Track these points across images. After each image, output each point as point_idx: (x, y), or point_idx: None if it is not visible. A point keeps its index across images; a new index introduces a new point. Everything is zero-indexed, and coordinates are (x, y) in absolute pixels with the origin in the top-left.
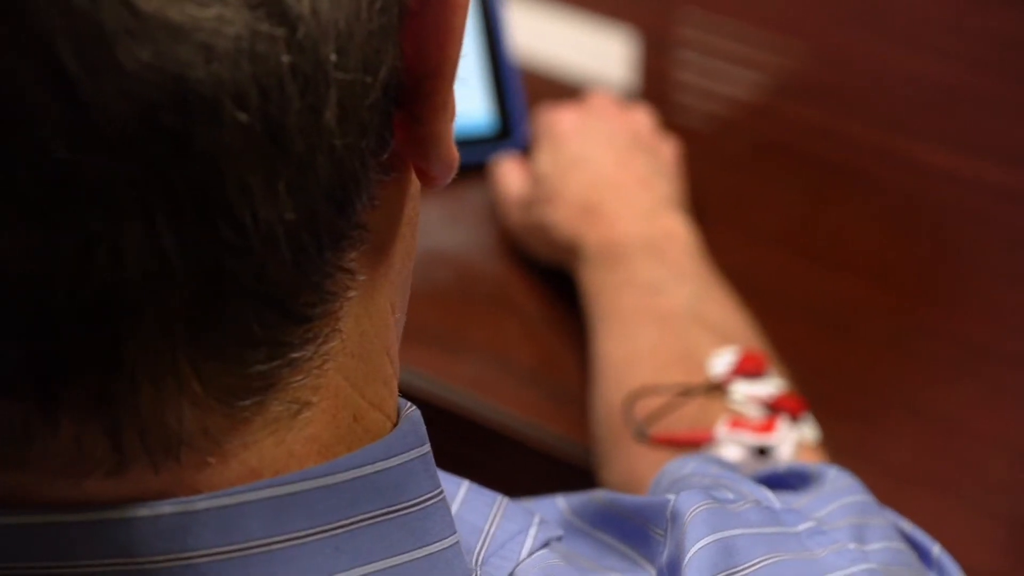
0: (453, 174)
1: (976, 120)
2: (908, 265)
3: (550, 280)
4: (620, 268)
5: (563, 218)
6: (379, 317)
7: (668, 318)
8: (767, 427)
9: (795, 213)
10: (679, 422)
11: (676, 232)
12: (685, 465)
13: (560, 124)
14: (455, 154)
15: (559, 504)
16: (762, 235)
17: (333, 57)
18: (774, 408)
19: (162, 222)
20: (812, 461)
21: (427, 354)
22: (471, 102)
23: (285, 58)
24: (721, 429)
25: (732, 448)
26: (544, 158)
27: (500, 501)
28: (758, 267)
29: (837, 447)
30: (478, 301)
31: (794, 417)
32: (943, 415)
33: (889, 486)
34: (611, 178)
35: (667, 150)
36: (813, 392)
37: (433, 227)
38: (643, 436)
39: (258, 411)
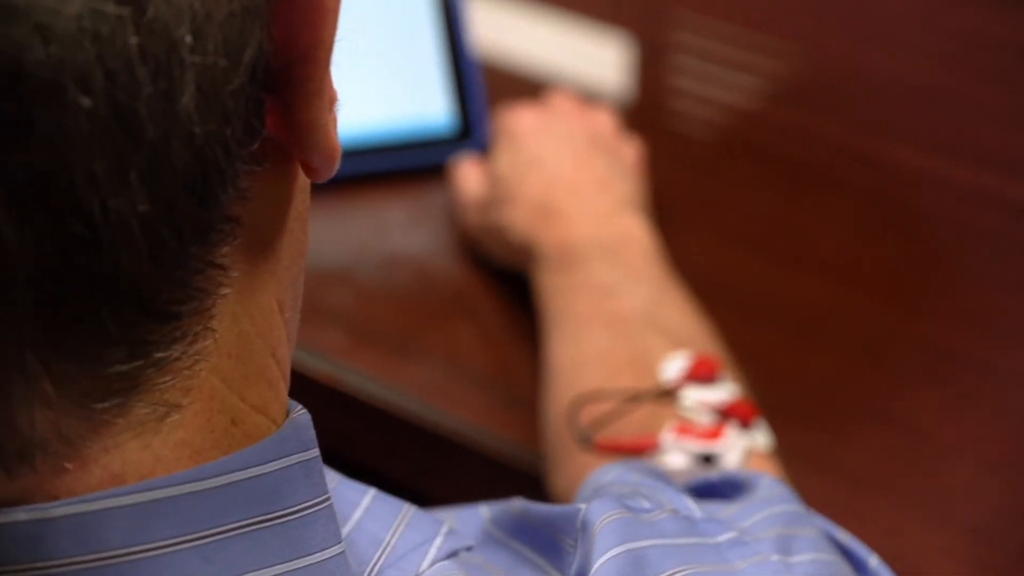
0: (336, 166)
1: (948, 121)
2: (877, 269)
3: (508, 283)
4: (575, 270)
5: (519, 219)
6: (262, 316)
7: (621, 322)
8: (713, 434)
9: (764, 215)
10: (628, 428)
11: (634, 234)
12: (607, 473)
13: (518, 124)
14: (336, 144)
15: (482, 513)
16: (729, 237)
17: (188, 39)
18: (725, 414)
19: (1, 214)
20: (763, 469)
21: (380, 358)
22: (431, 102)
23: (133, 39)
24: (667, 436)
25: (677, 455)
26: (502, 158)
27: (406, 511)
28: (725, 270)
29: (799, 454)
30: (434, 304)
31: (744, 424)
32: (908, 423)
33: (851, 494)
34: (569, 179)
35: (629, 151)
36: (777, 398)
37: (391, 229)
38: (587, 443)
39: (120, 414)
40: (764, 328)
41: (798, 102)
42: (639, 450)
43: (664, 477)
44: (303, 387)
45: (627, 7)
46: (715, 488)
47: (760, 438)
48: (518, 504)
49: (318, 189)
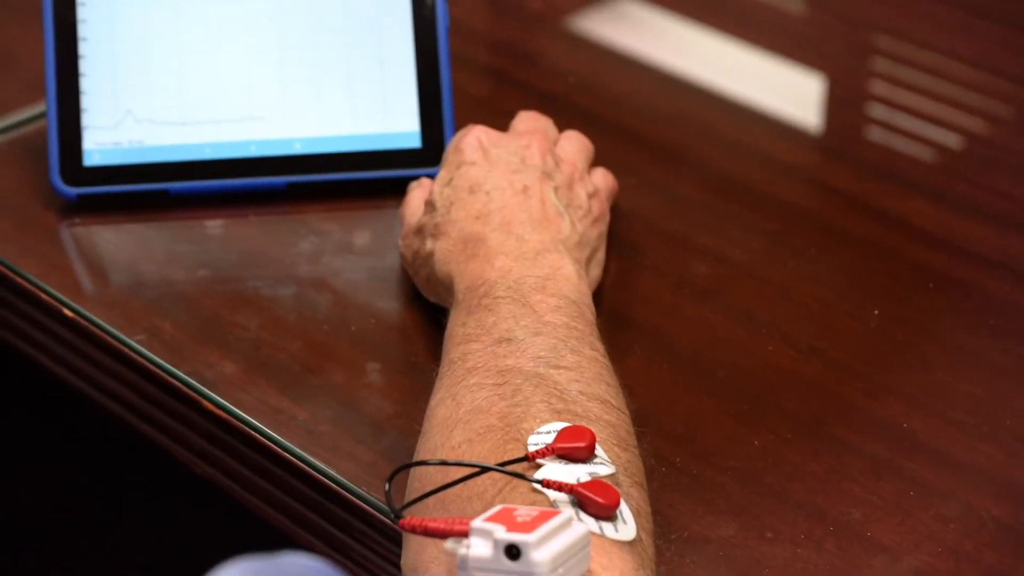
0: None
1: None
2: (847, 333)
3: (434, 322)
4: (481, 314)
5: (443, 250)
6: None
7: (507, 377)
8: (532, 523)
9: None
10: (473, 502)
11: (562, 274)
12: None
13: (465, 144)
14: None
15: None
16: (694, 288)
17: None
18: (578, 497)
19: None
20: (608, 561)
21: (271, 391)
22: (402, 116)
23: None
24: (478, 520)
25: (481, 544)
26: (440, 181)
27: None
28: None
29: (706, 547)
30: (347, 338)
31: (599, 511)
32: (844, 523)
33: None
34: (505, 210)
35: (595, 185)
36: (695, 478)
37: (324, 250)
38: (395, 518)
39: None
40: (707, 392)
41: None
42: (446, 533)
43: None
44: (194, 412)
45: (827, 44)
46: None
47: (613, 530)
48: None
49: (264, 196)
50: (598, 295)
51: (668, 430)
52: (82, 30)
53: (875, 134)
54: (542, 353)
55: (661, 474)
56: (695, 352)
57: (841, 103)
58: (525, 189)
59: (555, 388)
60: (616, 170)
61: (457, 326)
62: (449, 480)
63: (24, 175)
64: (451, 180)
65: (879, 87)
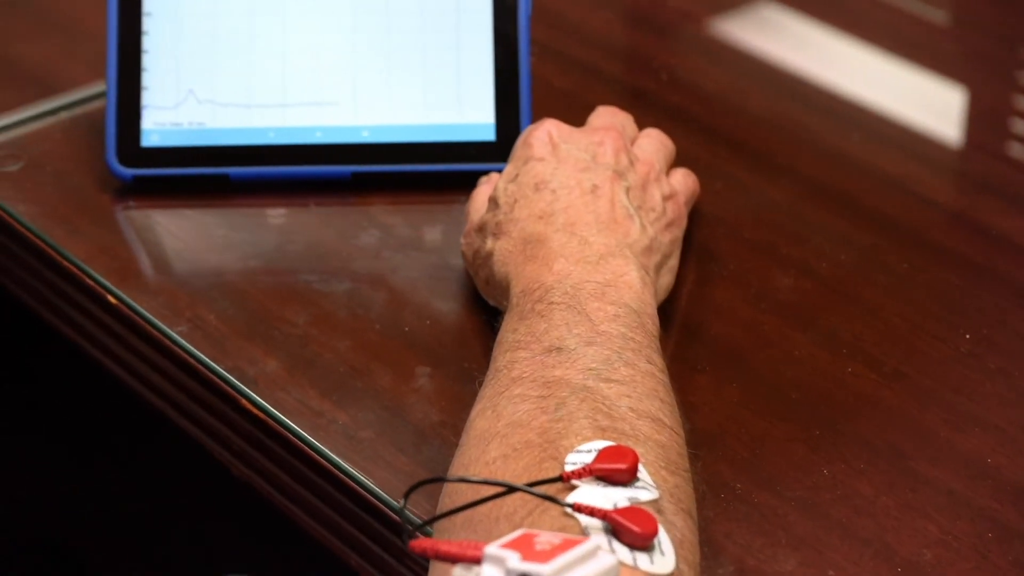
0: None
1: None
2: (935, 358)
3: (495, 327)
4: (532, 320)
5: (503, 250)
6: None
7: (553, 389)
8: (552, 552)
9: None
10: (501, 524)
11: (625, 281)
12: None
13: (534, 139)
14: None
15: None
16: (775, 303)
17: None
18: (612, 524)
19: None
20: None
21: (312, 392)
22: (477, 107)
23: None
24: (493, 545)
25: (493, 573)
26: (505, 176)
27: None
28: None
29: None
30: (399, 338)
31: (634, 541)
32: (914, 565)
33: None
34: (571, 210)
35: (672, 187)
36: (756, 507)
37: (391, 242)
38: (407, 537)
39: None
40: (768, 414)
41: None
42: (457, 558)
43: None
44: (232, 410)
45: (973, 57)
46: None
47: (648, 559)
48: None
49: (328, 185)
50: (669, 304)
51: (732, 454)
52: (147, 4)
53: (980, 147)
54: (593, 365)
55: (719, 501)
56: (769, 371)
57: (945, 114)
58: (594, 188)
59: (603, 403)
60: (701, 172)
61: (508, 332)
62: (480, 497)
63: (82, 154)
64: (517, 176)
65: (992, 99)
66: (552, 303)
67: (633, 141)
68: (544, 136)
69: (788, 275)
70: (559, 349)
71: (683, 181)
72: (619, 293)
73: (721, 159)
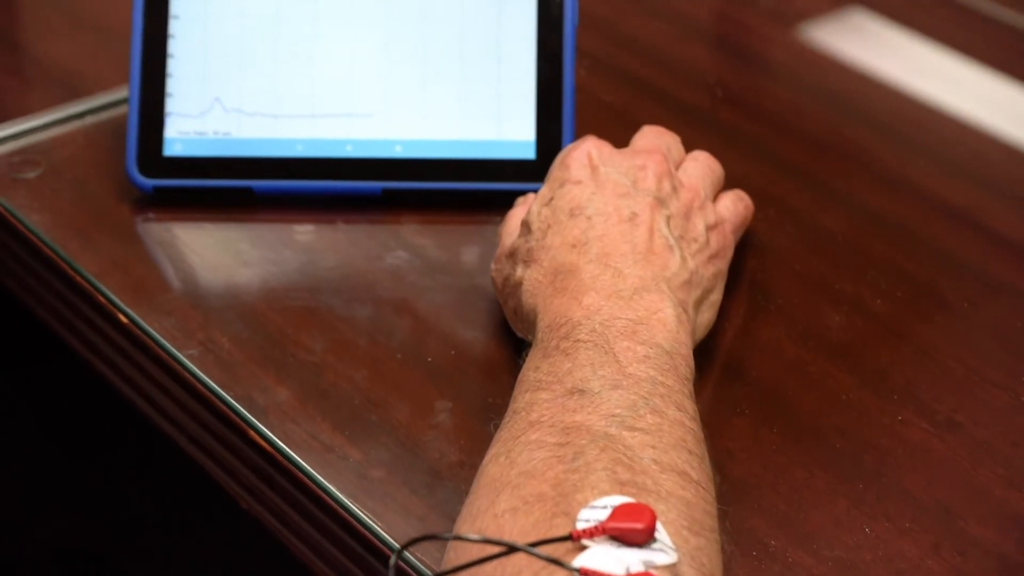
0: None
1: None
2: (992, 407)
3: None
4: (555, 358)
5: (532, 280)
6: None
7: (572, 436)
8: None
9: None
10: None
11: (658, 318)
12: None
13: (572, 160)
14: None
15: None
16: (823, 341)
17: None
18: None
19: None
20: None
21: (325, 425)
22: (517, 123)
23: None
24: None
25: None
26: (540, 199)
27: None
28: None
29: None
30: (421, 369)
31: None
32: None
33: None
34: (606, 239)
35: (719, 215)
36: (789, 567)
37: (419, 264)
38: None
39: None
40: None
41: None
42: None
43: None
44: (241, 441)
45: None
46: None
47: None
48: None
49: (356, 201)
50: (710, 340)
51: (767, 506)
52: (175, 7)
53: None
54: (617, 410)
55: (750, 559)
56: (813, 416)
57: (1019, 139)
58: (632, 217)
59: (624, 454)
60: (753, 198)
61: (530, 370)
62: (485, 554)
63: (104, 161)
64: (552, 200)
65: None
66: (578, 340)
67: (679, 164)
68: (583, 157)
69: (839, 311)
70: (582, 392)
71: (732, 207)
72: (651, 332)
73: (774, 184)
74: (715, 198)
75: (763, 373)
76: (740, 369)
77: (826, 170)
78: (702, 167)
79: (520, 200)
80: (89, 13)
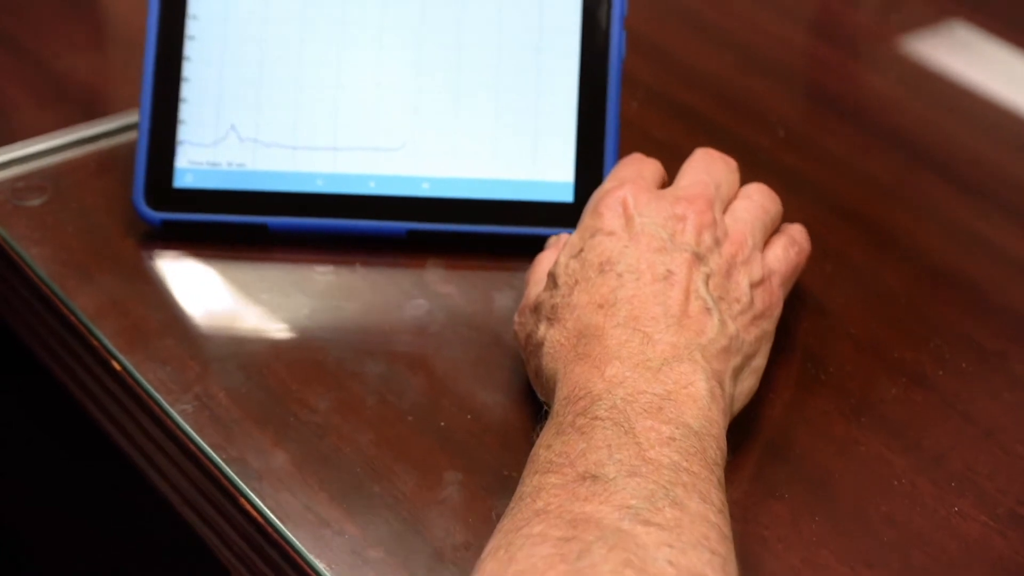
0: None
1: None
2: None
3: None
4: (569, 436)
5: (554, 341)
6: None
7: (579, 531)
8: None
9: None
10: None
11: (688, 393)
12: None
13: (605, 208)
14: None
15: None
16: (876, 416)
17: None
18: None
19: None
20: None
21: (322, 496)
22: (555, 162)
23: None
24: None
25: None
26: (569, 249)
27: None
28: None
29: None
30: (432, 434)
31: None
32: None
33: None
34: (636, 300)
35: (768, 268)
36: None
37: (441, 315)
38: None
39: None
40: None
41: None
42: None
43: None
44: (232, 508)
45: None
46: None
47: None
48: None
49: (378, 243)
50: (751, 410)
51: None
52: (191, 27)
53: None
54: (632, 501)
55: None
56: (859, 503)
57: None
58: (667, 275)
59: (636, 553)
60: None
61: (542, 447)
62: None
63: (112, 190)
64: (581, 251)
65: None
66: (596, 417)
67: (729, 202)
68: (618, 205)
69: (896, 383)
70: (595, 477)
71: (783, 256)
72: (679, 409)
73: (835, 234)
74: (767, 242)
75: (808, 451)
76: (782, 446)
77: (891, 221)
78: (755, 208)
79: (552, 240)
80: (117, 26)
